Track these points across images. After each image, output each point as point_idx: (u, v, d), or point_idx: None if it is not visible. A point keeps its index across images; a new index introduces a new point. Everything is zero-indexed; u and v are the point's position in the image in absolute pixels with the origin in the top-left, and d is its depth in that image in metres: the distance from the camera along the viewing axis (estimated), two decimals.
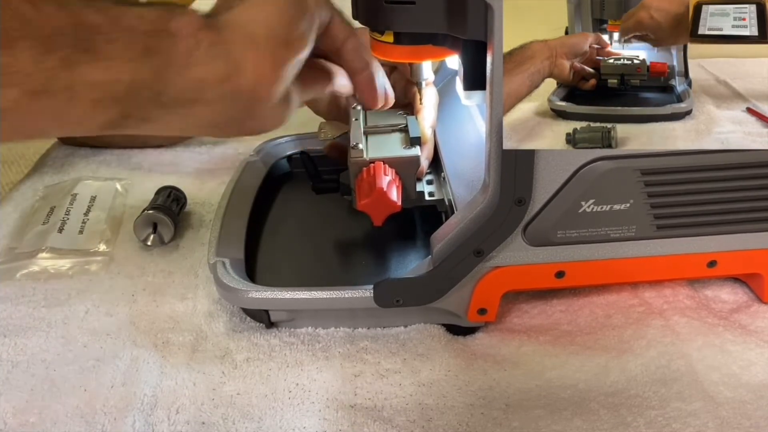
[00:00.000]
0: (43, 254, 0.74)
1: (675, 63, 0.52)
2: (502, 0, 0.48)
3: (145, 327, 0.64)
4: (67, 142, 0.95)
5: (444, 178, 0.69)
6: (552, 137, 0.51)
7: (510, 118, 0.50)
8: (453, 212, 0.62)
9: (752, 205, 0.58)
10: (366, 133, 0.69)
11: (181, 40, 0.45)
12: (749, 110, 0.50)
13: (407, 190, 0.66)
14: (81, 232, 0.77)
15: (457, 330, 0.63)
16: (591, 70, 0.52)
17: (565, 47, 0.51)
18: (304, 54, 0.52)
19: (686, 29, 0.48)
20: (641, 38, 0.51)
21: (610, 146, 0.51)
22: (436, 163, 0.71)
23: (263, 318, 0.63)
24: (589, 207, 0.56)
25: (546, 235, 0.57)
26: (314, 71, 0.59)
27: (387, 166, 0.64)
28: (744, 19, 0.47)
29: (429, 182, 0.72)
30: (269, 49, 0.49)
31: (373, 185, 0.62)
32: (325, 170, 0.77)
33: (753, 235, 0.59)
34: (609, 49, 0.53)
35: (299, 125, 0.89)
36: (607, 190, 0.56)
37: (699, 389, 0.55)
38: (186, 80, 0.46)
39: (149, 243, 0.75)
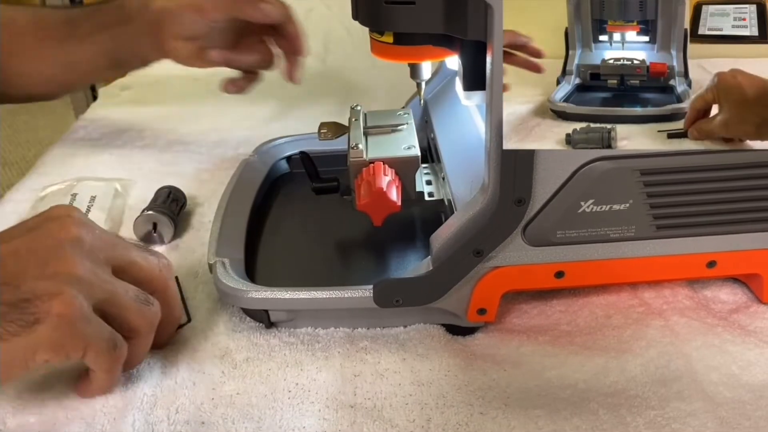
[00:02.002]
0: None
1: (675, 63, 0.52)
2: (501, 0, 0.48)
3: None
4: None
5: (444, 178, 0.69)
6: (552, 137, 0.51)
7: (510, 118, 0.50)
8: (453, 212, 0.62)
9: (752, 205, 0.58)
10: (366, 133, 0.69)
11: None
12: None
13: (407, 190, 0.66)
14: None
15: (456, 330, 0.63)
16: None
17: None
18: None
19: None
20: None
21: (609, 146, 0.51)
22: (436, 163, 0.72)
23: (263, 318, 0.63)
24: (588, 207, 0.56)
25: (545, 235, 0.57)
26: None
27: (387, 166, 0.64)
28: (744, 19, 0.47)
29: (429, 182, 0.72)
30: None
31: (373, 185, 0.62)
32: (325, 171, 0.77)
33: (752, 235, 0.59)
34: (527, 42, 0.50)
35: (299, 126, 0.90)
36: (607, 191, 0.56)
37: (698, 389, 0.56)
38: None
39: (149, 243, 0.75)
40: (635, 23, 0.51)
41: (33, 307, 0.46)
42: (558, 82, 0.52)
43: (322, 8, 1.60)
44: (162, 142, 0.99)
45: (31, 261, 0.48)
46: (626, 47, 0.52)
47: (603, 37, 0.53)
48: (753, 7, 0.46)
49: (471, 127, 0.72)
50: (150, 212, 0.75)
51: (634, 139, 0.51)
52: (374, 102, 1.04)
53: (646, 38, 0.53)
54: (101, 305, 0.50)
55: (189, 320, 0.65)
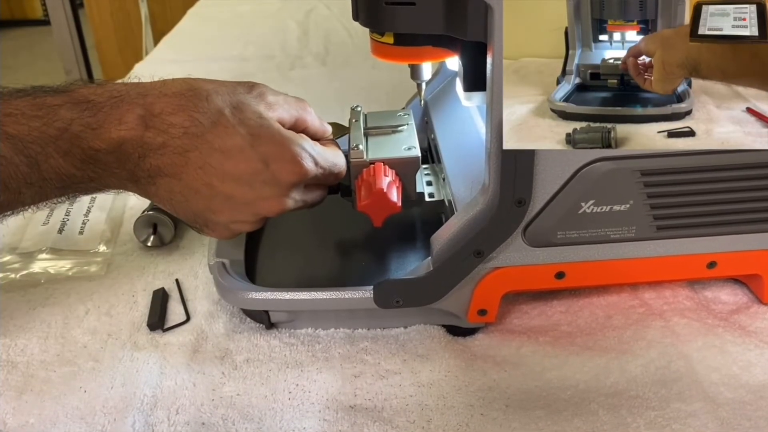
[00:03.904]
0: (44, 255, 0.74)
1: None
2: (502, 0, 0.48)
3: (144, 327, 0.64)
4: None
5: (444, 179, 0.69)
6: (552, 137, 0.51)
7: (510, 118, 0.50)
8: (453, 213, 0.62)
9: (752, 205, 0.58)
10: (366, 134, 0.69)
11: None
12: (749, 110, 0.50)
13: (407, 190, 0.66)
14: (81, 232, 0.77)
15: (457, 331, 0.63)
16: None
17: None
18: None
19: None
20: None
21: (609, 146, 0.51)
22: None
23: (263, 319, 0.63)
24: (588, 207, 0.56)
25: (546, 235, 0.57)
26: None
27: (387, 167, 0.64)
28: (744, 19, 0.47)
29: (429, 183, 0.72)
30: None
31: (373, 186, 0.62)
32: None
33: (753, 236, 0.59)
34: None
35: None
36: (607, 191, 0.56)
37: (699, 390, 0.55)
38: None
39: (149, 244, 0.75)
40: (635, 23, 0.51)
41: None
42: (558, 82, 0.52)
43: (322, 9, 1.61)
44: None
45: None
46: (626, 47, 0.51)
47: (603, 37, 0.53)
48: (753, 7, 0.46)
49: (471, 127, 0.72)
50: (151, 213, 0.75)
51: (634, 139, 0.51)
52: (374, 103, 1.04)
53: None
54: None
55: (188, 319, 0.65)
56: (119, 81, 0.61)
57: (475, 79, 0.57)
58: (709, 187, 0.57)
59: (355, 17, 0.58)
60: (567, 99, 0.52)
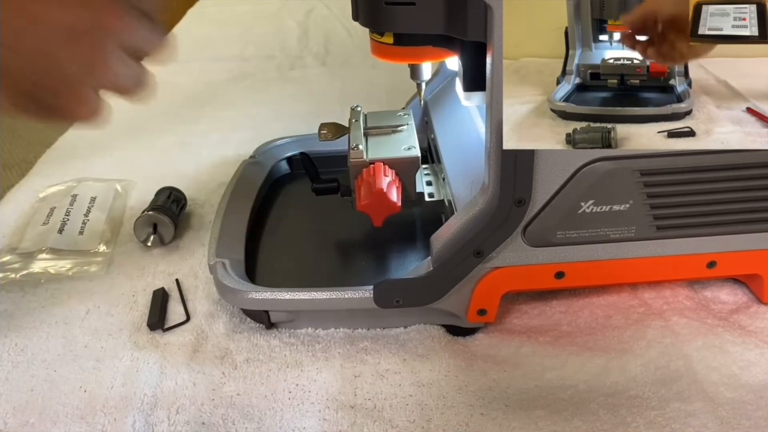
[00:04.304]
0: (44, 255, 0.74)
1: None
2: (502, 0, 0.48)
3: (145, 327, 0.64)
4: None
5: (444, 179, 0.69)
6: (552, 137, 0.51)
7: (510, 118, 0.50)
8: (453, 213, 0.62)
9: (752, 205, 0.58)
10: (366, 134, 0.69)
11: None
12: (749, 110, 0.50)
13: (407, 190, 0.66)
14: (81, 232, 0.77)
15: (456, 331, 0.63)
16: None
17: None
18: None
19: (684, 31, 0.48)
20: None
21: (609, 146, 0.51)
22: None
23: (263, 319, 0.63)
24: (588, 207, 0.56)
25: (546, 235, 0.57)
26: None
27: (387, 167, 0.64)
28: (744, 19, 0.46)
29: (429, 183, 0.72)
30: None
31: (373, 186, 0.62)
32: (325, 171, 0.77)
33: (752, 235, 0.59)
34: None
35: (299, 126, 0.90)
36: (607, 191, 0.56)
37: (699, 390, 0.56)
38: None
39: (149, 244, 0.75)
40: None
41: None
42: (558, 82, 0.52)
43: (322, 9, 1.61)
44: (162, 142, 0.99)
45: None
46: (626, 47, 0.51)
47: (603, 37, 0.53)
48: (753, 7, 0.46)
49: (471, 127, 0.72)
50: (150, 213, 0.75)
51: (634, 139, 0.51)
52: (374, 103, 1.04)
53: (646, 38, 0.53)
54: None
55: (188, 319, 0.65)
56: None
57: (474, 79, 0.57)
58: (708, 187, 0.57)
59: (355, 17, 0.58)
60: (567, 99, 0.52)
